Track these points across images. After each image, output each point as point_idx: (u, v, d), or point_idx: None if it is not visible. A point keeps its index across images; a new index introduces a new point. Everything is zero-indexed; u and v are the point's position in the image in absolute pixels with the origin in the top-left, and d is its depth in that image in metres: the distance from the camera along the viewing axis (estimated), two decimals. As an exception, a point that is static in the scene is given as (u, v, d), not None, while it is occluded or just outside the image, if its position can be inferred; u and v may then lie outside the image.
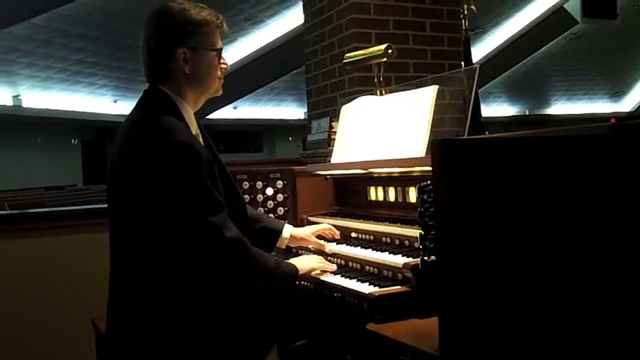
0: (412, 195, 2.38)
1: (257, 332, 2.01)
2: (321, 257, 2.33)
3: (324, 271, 2.23)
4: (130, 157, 1.93)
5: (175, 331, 1.87)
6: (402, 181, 2.45)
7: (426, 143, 2.25)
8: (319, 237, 2.52)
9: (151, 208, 1.87)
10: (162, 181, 1.85)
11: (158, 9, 2.04)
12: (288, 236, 2.48)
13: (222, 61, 2.12)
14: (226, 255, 1.90)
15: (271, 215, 2.83)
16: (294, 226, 2.55)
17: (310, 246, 2.50)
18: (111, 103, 20.84)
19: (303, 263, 2.19)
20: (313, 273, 2.22)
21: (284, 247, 2.51)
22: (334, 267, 2.28)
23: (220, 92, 2.17)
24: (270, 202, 2.86)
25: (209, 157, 1.96)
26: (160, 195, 1.85)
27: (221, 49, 2.11)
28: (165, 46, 2.00)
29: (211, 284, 1.92)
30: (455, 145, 1.48)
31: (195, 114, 2.12)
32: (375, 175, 2.57)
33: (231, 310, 1.96)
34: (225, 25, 2.12)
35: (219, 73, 2.12)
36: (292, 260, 2.19)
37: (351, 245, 2.40)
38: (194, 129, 2.06)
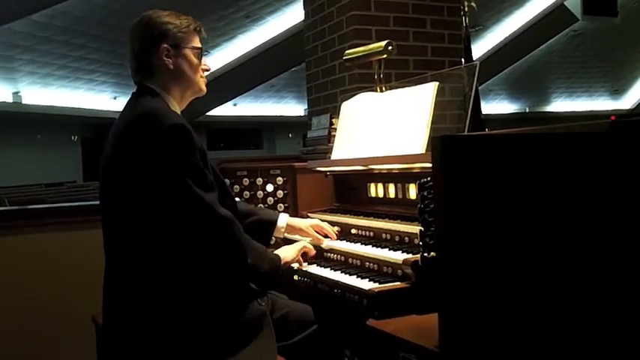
0: (412, 191, 2.39)
1: (249, 316, 2.02)
2: (304, 243, 2.36)
3: (308, 260, 2.30)
4: (126, 147, 1.96)
5: (170, 324, 1.89)
6: (402, 178, 2.45)
7: (426, 140, 2.25)
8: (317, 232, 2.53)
9: (146, 192, 1.90)
10: (158, 162, 1.89)
11: (139, 18, 2.17)
12: (284, 225, 2.52)
13: (203, 62, 2.23)
14: (219, 231, 1.93)
15: (271, 212, 2.84)
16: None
17: (308, 239, 2.51)
18: (111, 100, 20.84)
19: (285, 253, 2.24)
20: (298, 265, 2.28)
21: (282, 236, 2.53)
22: (313, 251, 2.36)
23: (204, 92, 2.26)
24: (270, 198, 2.86)
25: (201, 145, 2.01)
26: (155, 177, 1.88)
27: (201, 50, 2.22)
28: (149, 44, 2.11)
29: (205, 269, 1.93)
30: (455, 141, 1.48)
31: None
32: (376, 172, 2.57)
33: (224, 294, 1.97)
34: (203, 31, 2.24)
35: (200, 72, 2.22)
36: (276, 251, 2.24)
37: (351, 242, 2.41)
38: None
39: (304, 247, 2.34)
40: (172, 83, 2.14)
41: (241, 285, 2.03)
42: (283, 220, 2.52)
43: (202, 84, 2.23)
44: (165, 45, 2.11)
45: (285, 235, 2.55)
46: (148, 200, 1.90)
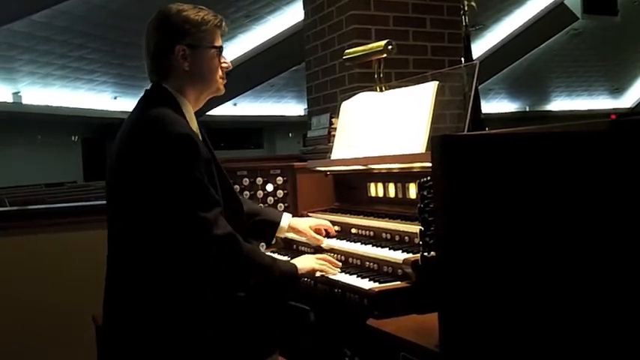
0: (412, 191, 2.38)
1: (254, 329, 2.01)
2: (323, 255, 2.29)
3: (327, 273, 2.18)
4: (131, 150, 1.94)
5: (172, 325, 1.89)
6: (402, 177, 2.45)
7: (426, 139, 2.24)
8: (317, 232, 2.52)
9: (147, 200, 1.88)
10: (160, 173, 1.86)
11: (157, 12, 2.08)
12: (286, 226, 2.50)
13: (222, 60, 2.15)
14: (215, 252, 1.88)
15: (271, 211, 2.84)
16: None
17: (305, 239, 2.51)
18: (111, 100, 20.84)
19: (304, 263, 2.15)
20: (317, 274, 2.17)
21: (283, 236, 2.53)
22: (337, 269, 2.20)
23: (222, 92, 2.19)
24: (271, 198, 2.86)
25: (207, 154, 1.98)
26: (156, 186, 1.86)
27: (221, 48, 2.14)
28: (164, 44, 2.04)
29: (206, 279, 1.93)
30: (455, 141, 1.48)
31: (195, 113, 2.14)
32: (375, 171, 2.57)
33: (227, 304, 1.97)
34: (224, 25, 2.15)
35: (220, 72, 2.14)
36: (293, 260, 2.18)
37: (351, 241, 2.40)
38: (194, 127, 2.07)
39: (325, 261, 2.20)
40: (188, 85, 2.08)
41: (245, 298, 2.02)
42: (286, 220, 2.51)
43: (221, 84, 2.16)
44: (182, 46, 2.03)
45: (287, 235, 2.55)
46: (150, 208, 1.88)
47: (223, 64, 2.15)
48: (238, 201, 2.19)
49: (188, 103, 2.09)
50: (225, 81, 2.19)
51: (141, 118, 1.99)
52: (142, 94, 2.11)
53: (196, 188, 1.88)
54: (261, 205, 2.84)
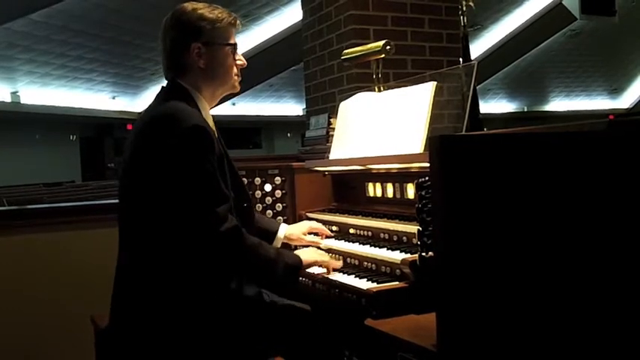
0: (410, 191, 2.39)
1: (255, 329, 2.01)
2: (324, 252, 2.30)
3: (328, 266, 2.19)
4: (144, 143, 1.95)
5: (177, 321, 1.89)
6: (400, 177, 2.45)
7: (424, 139, 2.25)
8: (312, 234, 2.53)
9: (158, 191, 1.88)
10: (171, 164, 1.87)
11: (172, 11, 2.12)
12: (282, 237, 2.50)
13: (237, 57, 2.19)
14: (221, 245, 1.88)
15: (269, 212, 2.84)
16: (292, 223, 2.56)
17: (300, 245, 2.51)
18: (109, 100, 20.79)
19: (308, 255, 2.17)
20: (318, 269, 2.19)
21: (279, 246, 2.52)
22: (340, 263, 2.24)
23: (238, 89, 2.23)
24: (269, 198, 2.86)
25: (221, 151, 1.99)
26: (167, 177, 1.87)
27: (236, 45, 2.18)
28: (180, 41, 2.08)
29: (211, 275, 1.93)
30: (453, 141, 1.48)
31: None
32: (374, 171, 2.57)
33: (233, 304, 1.97)
34: (239, 23, 2.21)
35: (235, 69, 2.18)
36: (297, 252, 2.19)
37: (349, 241, 2.40)
38: (210, 123, 2.08)
39: (328, 259, 2.22)
40: (203, 82, 2.11)
41: (251, 297, 2.02)
42: (282, 231, 2.50)
43: (236, 82, 2.20)
44: (198, 44, 2.07)
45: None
46: (160, 199, 1.88)
47: (238, 62, 2.19)
48: (249, 201, 2.20)
49: (204, 100, 2.12)
50: (240, 78, 2.22)
51: (155, 112, 2.01)
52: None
53: (207, 181, 1.89)
54: (259, 205, 2.85)
